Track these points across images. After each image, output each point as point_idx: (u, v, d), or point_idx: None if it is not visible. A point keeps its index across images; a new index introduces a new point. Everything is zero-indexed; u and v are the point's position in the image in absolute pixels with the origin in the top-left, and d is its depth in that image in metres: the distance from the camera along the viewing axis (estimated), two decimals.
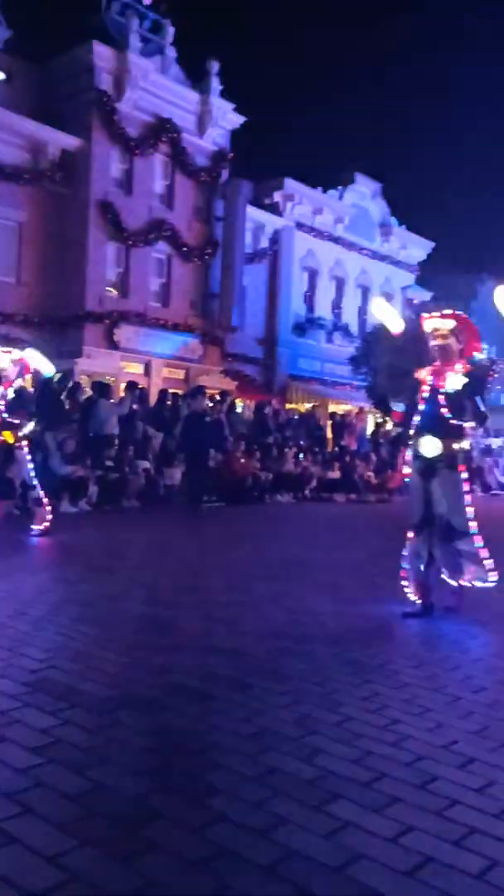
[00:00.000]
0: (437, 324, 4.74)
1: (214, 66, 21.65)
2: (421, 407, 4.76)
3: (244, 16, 54.40)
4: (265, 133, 51.81)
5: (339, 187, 26.81)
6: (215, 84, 21.68)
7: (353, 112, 61.05)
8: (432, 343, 4.75)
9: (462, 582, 4.77)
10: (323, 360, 25.61)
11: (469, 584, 4.78)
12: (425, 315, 4.90)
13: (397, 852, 2.02)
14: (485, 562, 4.69)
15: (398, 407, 5.09)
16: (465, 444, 4.79)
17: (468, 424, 4.72)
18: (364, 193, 27.82)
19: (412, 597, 4.81)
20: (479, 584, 4.74)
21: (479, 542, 4.73)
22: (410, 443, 4.86)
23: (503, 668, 3.76)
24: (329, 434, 18.31)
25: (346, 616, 4.66)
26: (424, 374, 4.82)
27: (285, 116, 56.35)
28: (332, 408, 22.37)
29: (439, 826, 2.16)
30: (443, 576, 4.82)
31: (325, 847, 2.02)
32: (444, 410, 4.65)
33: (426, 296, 28.87)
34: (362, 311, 27.39)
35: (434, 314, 4.83)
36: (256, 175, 23.38)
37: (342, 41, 60.35)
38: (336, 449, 16.88)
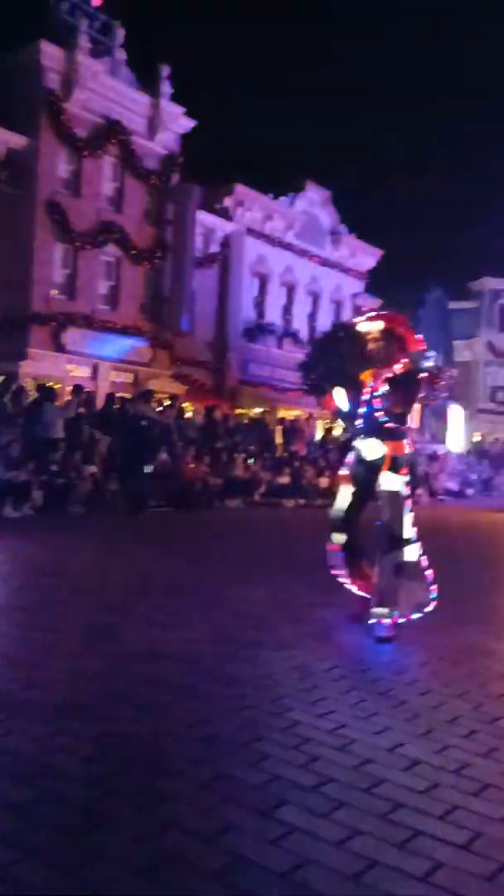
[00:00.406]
0: (367, 327, 4.69)
1: (165, 70, 21.61)
2: (362, 410, 4.71)
3: (195, 20, 54.47)
4: (216, 138, 51.89)
5: (290, 194, 27.02)
6: (165, 88, 21.65)
7: (305, 120, 61.58)
8: (367, 347, 4.71)
9: (397, 619, 4.44)
10: (273, 365, 25.73)
11: (405, 620, 4.50)
12: (357, 319, 4.89)
13: (343, 856, 2.03)
14: (426, 572, 4.59)
15: (337, 395, 4.90)
16: (406, 448, 4.69)
17: (410, 425, 4.69)
18: (314, 201, 28.09)
19: (358, 592, 4.79)
20: (416, 615, 4.55)
21: (420, 550, 4.64)
22: (353, 445, 4.79)
23: (448, 671, 3.81)
24: (278, 439, 18.40)
25: (295, 620, 4.68)
26: (366, 377, 4.76)
27: (237, 122, 56.56)
28: (281, 413, 22.49)
29: (384, 829, 2.18)
30: (377, 610, 4.42)
31: (272, 852, 2.02)
32: (384, 411, 4.59)
33: (375, 303, 29.28)
34: (312, 318, 27.64)
35: (363, 317, 4.79)
36: (207, 179, 23.39)
37: (294, 48, 60.87)
38: (285, 454, 16.97)
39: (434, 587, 4.56)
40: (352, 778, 2.49)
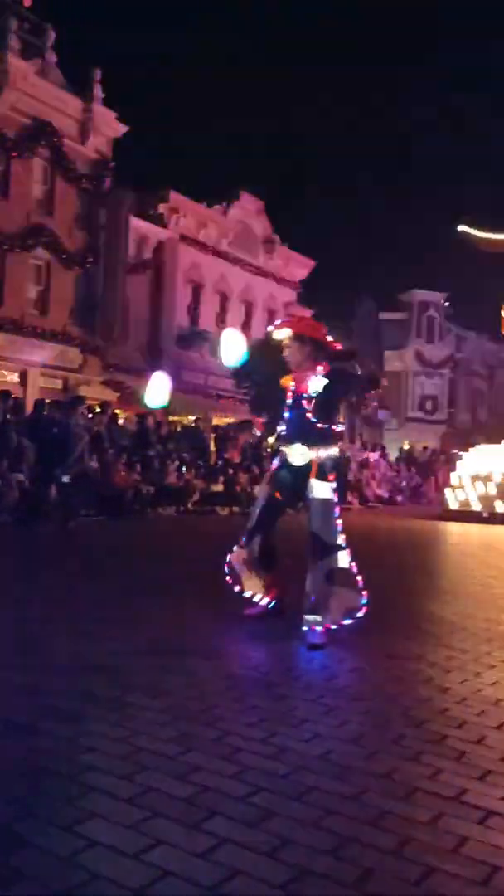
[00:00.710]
0: (278, 335, 4.65)
1: (97, 74, 21.41)
2: (286, 415, 4.63)
3: (130, 25, 54.23)
4: (151, 144, 51.73)
5: (224, 203, 27.11)
6: (98, 91, 21.44)
7: (240, 131, 61.99)
8: (283, 354, 4.64)
9: (329, 626, 4.41)
10: (207, 372, 25.70)
11: (335, 627, 4.45)
12: (270, 328, 4.84)
13: (273, 867, 2.00)
14: (356, 578, 4.56)
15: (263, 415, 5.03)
16: (335, 451, 4.65)
17: (337, 428, 4.64)
18: (248, 210, 28.26)
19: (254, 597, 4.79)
20: (347, 621, 4.50)
21: (349, 556, 4.59)
22: (279, 450, 4.71)
23: (378, 676, 3.84)
24: (212, 447, 18.37)
25: (225, 630, 4.64)
26: (287, 382, 4.68)
27: (172, 129, 56.48)
28: (215, 420, 22.47)
29: (315, 837, 2.16)
30: (309, 617, 4.38)
31: (200, 866, 1.98)
32: (309, 415, 4.53)
33: (307, 313, 29.63)
34: (246, 326, 27.75)
35: (275, 326, 4.75)
36: (141, 185, 23.27)
37: (232, 55, 61.29)
38: (219, 462, 16.94)
39: (364, 593, 4.56)
40: (282, 786, 2.47)
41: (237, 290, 27.71)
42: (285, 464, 4.61)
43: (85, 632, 4.41)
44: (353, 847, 2.12)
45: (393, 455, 27.58)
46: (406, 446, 30.80)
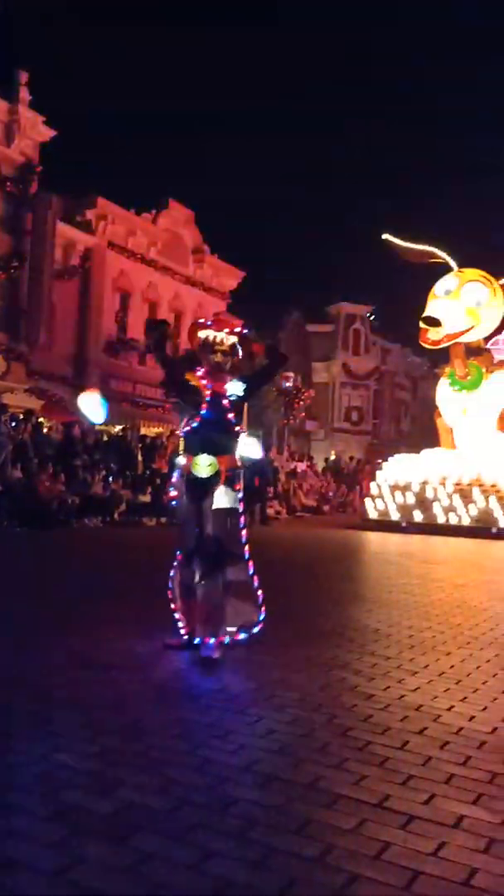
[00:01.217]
0: (218, 337, 4.42)
1: (23, 76, 21.05)
2: (194, 424, 4.38)
3: (59, 28, 53.51)
4: (79, 150, 51.09)
5: (153, 211, 27.01)
6: (24, 94, 21.07)
7: (170, 140, 61.90)
8: (211, 356, 4.41)
9: (222, 638, 4.26)
10: (135, 381, 25.46)
11: (229, 641, 4.31)
12: (200, 322, 4.57)
13: (197, 879, 1.99)
14: (256, 592, 4.36)
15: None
16: (239, 461, 4.45)
17: (250, 437, 4.55)
18: (178, 219, 28.22)
19: (181, 626, 4.45)
20: (242, 636, 4.35)
21: (251, 568, 4.39)
22: (182, 459, 4.47)
23: (303, 685, 3.87)
24: (139, 456, 18.18)
25: (150, 642, 4.59)
26: (200, 385, 4.43)
27: (101, 135, 55.95)
28: (143, 430, 22.28)
29: (239, 848, 2.16)
30: (201, 629, 4.25)
31: (123, 882, 1.95)
32: (230, 416, 4.37)
33: (236, 323, 29.75)
34: (176, 335, 27.62)
35: (208, 323, 4.51)
36: (68, 191, 22.95)
37: (161, 63, 61.20)
38: (146, 472, 16.78)
39: (263, 608, 4.38)
40: (207, 799, 2.46)
41: (166, 299, 27.60)
42: (190, 474, 4.32)
43: (4, 644, 4.29)
44: (278, 857, 2.13)
45: (320, 465, 27.91)
46: (332, 456, 31.23)
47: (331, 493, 23.79)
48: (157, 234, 26.88)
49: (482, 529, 14.42)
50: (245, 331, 4.60)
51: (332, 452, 33.22)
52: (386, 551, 12.14)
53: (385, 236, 17.83)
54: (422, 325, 15.45)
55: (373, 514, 16.08)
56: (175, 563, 4.51)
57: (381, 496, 16.15)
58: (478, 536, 14.05)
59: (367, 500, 16.49)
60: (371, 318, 41.23)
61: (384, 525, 15.50)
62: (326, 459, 30.23)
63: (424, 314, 15.45)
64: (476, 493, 15.04)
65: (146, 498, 15.26)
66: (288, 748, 2.95)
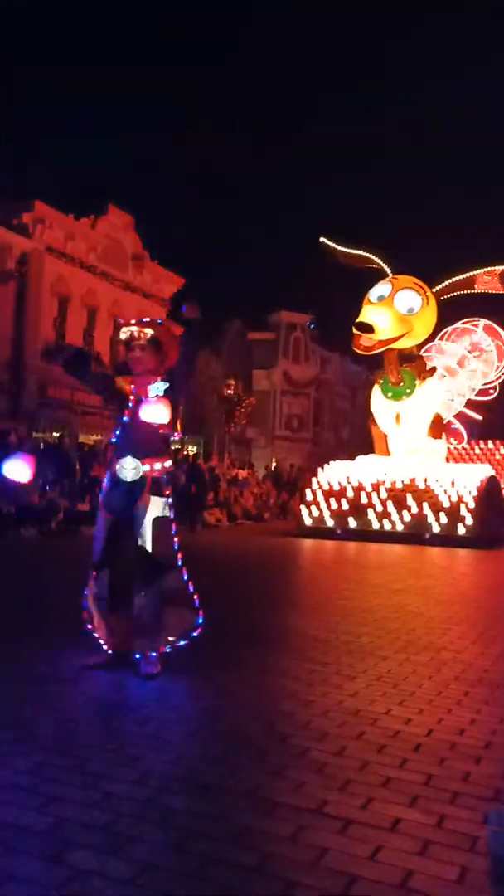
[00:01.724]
0: (135, 331, 4.25)
1: None
2: (124, 419, 4.23)
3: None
4: (14, 151, 50.23)
5: (92, 216, 26.75)
6: None
7: (109, 144, 61.45)
8: (130, 354, 4.28)
9: (163, 649, 4.12)
10: (73, 388, 25.09)
11: (169, 650, 4.15)
12: (121, 321, 4.42)
13: (134, 893, 1.96)
14: (192, 597, 4.23)
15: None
16: (169, 464, 4.32)
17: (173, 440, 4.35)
18: (117, 225, 28.02)
19: (102, 643, 4.22)
20: (182, 642, 4.19)
21: (184, 575, 4.24)
22: (109, 465, 4.30)
23: (243, 693, 3.87)
24: (77, 464, 17.90)
25: (86, 654, 4.51)
26: (125, 386, 4.29)
27: (38, 137, 55.17)
28: (81, 437, 21.97)
29: (177, 860, 2.14)
30: (139, 643, 4.09)
31: None
32: (143, 429, 4.17)
33: (177, 330, 29.67)
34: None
35: (132, 322, 4.33)
36: (4, 194, 22.52)
37: (99, 66, 60.77)
38: (85, 480, 16.54)
39: (200, 612, 4.24)
40: (145, 811, 2.43)
41: (105, 305, 27.33)
42: (116, 481, 4.19)
43: None
44: (216, 867, 2.12)
45: (261, 473, 28.00)
46: (274, 464, 31.38)
47: (272, 501, 23.89)
48: (96, 239, 26.62)
49: (416, 536, 14.43)
50: (160, 321, 4.45)
51: (274, 460, 33.39)
52: (324, 558, 12.26)
53: (322, 240, 17.95)
54: (355, 331, 15.40)
55: (308, 521, 15.77)
56: (90, 577, 4.25)
57: (316, 503, 16.02)
58: (411, 543, 14.08)
59: (303, 507, 16.36)
60: (311, 327, 41.67)
61: (319, 532, 15.37)
62: (267, 467, 30.35)
63: (357, 320, 15.44)
64: (410, 500, 15.01)
65: (85, 506, 15.03)
66: (227, 757, 2.95)
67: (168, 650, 4.17)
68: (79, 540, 13.54)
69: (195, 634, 4.25)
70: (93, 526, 4.32)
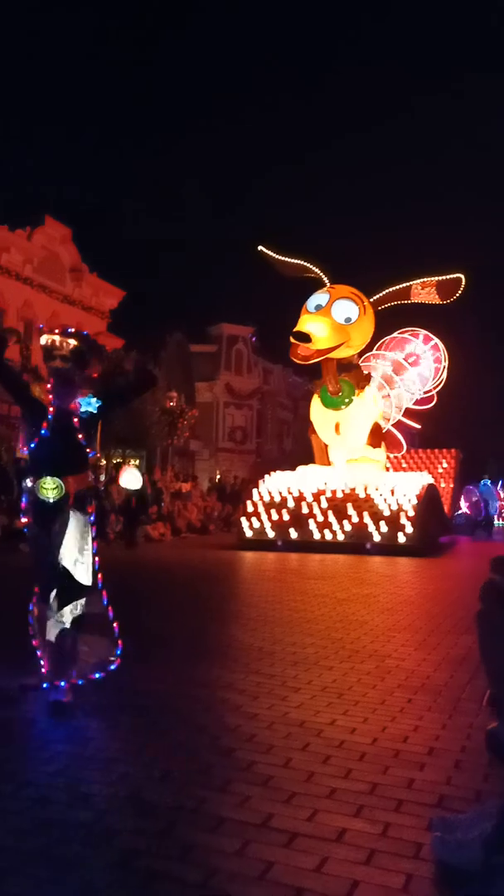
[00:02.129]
0: (56, 341, 4.04)
1: None
2: (42, 433, 3.99)
3: None
4: None
5: (28, 227, 26.36)
6: None
7: (47, 157, 60.76)
8: (49, 363, 4.05)
9: (75, 681, 3.83)
10: (10, 402, 24.59)
11: (82, 682, 3.89)
12: (43, 327, 4.20)
13: None
14: (112, 625, 4.00)
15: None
16: (91, 479, 4.16)
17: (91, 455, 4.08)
18: (54, 237, 27.67)
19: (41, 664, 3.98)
20: (98, 675, 3.97)
21: (105, 599, 4.02)
22: (30, 482, 4.08)
23: (188, 707, 3.83)
24: (14, 479, 17.52)
25: (24, 672, 4.39)
26: (44, 398, 4.08)
27: None
28: (20, 452, 21.51)
29: (120, 881, 2.10)
30: (49, 671, 3.86)
31: None
32: (79, 435, 4.00)
33: (118, 343, 29.42)
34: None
35: (55, 331, 4.09)
36: None
37: (38, 78, 60.10)
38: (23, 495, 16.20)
39: (120, 642, 4.01)
40: (88, 834, 2.38)
41: (43, 318, 26.84)
42: (37, 502, 3.94)
43: None
44: (161, 884, 2.08)
45: (204, 485, 27.92)
46: (217, 476, 31.32)
47: (216, 513, 23.82)
48: (32, 250, 26.22)
49: (357, 545, 14.28)
50: (86, 333, 4.24)
51: (217, 472, 33.34)
52: (266, 569, 12.26)
53: (260, 248, 17.93)
54: (292, 340, 15.24)
55: (249, 533, 15.45)
56: (34, 597, 4.04)
57: (256, 514, 15.59)
58: (353, 552, 13.93)
59: (243, 519, 15.82)
60: (253, 339, 41.88)
61: (260, 544, 14.96)
62: (211, 479, 30.28)
63: (295, 329, 15.29)
64: (350, 509, 14.87)
65: (24, 522, 14.72)
66: (171, 773, 2.90)
67: (81, 682, 3.87)
68: (19, 557, 13.24)
69: (112, 668, 4.00)
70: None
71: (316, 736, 3.40)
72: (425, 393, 20.72)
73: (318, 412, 16.95)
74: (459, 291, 17.57)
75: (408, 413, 20.67)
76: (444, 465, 22.98)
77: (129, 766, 2.98)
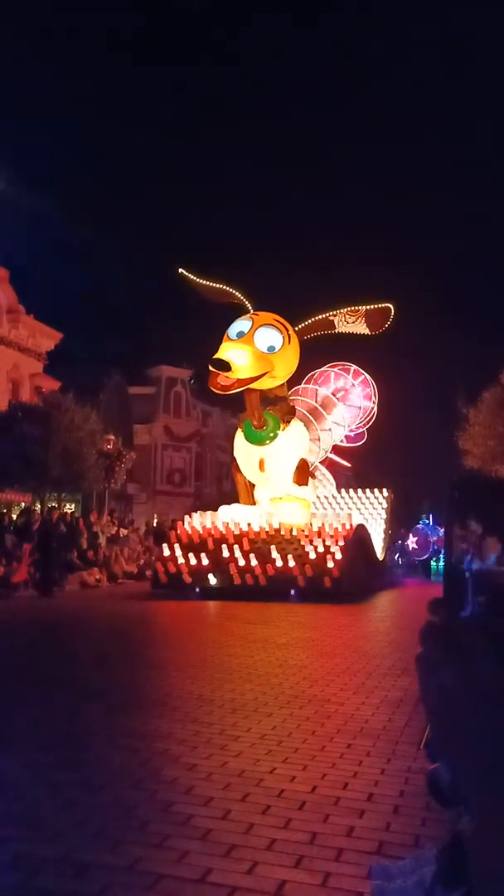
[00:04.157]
0: None
1: None
2: None
3: None
4: None
5: None
6: None
7: None
8: None
9: None
10: None
11: None
12: None
13: None
14: None
15: None
16: None
17: None
18: None
19: None
20: None
21: None
22: None
23: (124, 762, 3.73)
24: None
25: None
26: None
27: None
28: None
29: None
30: None
31: None
32: None
33: (55, 385, 29.11)
34: None
35: None
36: None
37: None
38: None
39: None
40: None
41: None
42: None
43: None
44: None
45: (142, 528, 27.59)
46: (155, 519, 31.00)
47: (154, 558, 23.50)
48: None
49: (280, 591, 13.18)
50: None
51: (155, 515, 33.02)
52: (205, 614, 12.12)
53: (181, 271, 17.06)
54: (211, 368, 14.08)
55: (164, 579, 14.30)
56: None
57: (173, 559, 14.42)
58: (276, 599, 12.83)
59: (158, 565, 14.77)
60: (191, 382, 42.04)
61: (176, 591, 13.88)
62: (148, 523, 29.95)
63: (214, 357, 14.07)
64: (274, 552, 13.84)
65: None
66: (106, 831, 2.81)
67: None
68: None
69: None
70: None
71: (255, 786, 3.36)
72: (354, 429, 19.99)
73: (242, 448, 15.96)
74: (388, 322, 16.71)
75: (337, 451, 19.87)
76: (377, 505, 21.60)
77: (61, 824, 2.87)
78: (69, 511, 23.43)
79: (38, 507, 21.07)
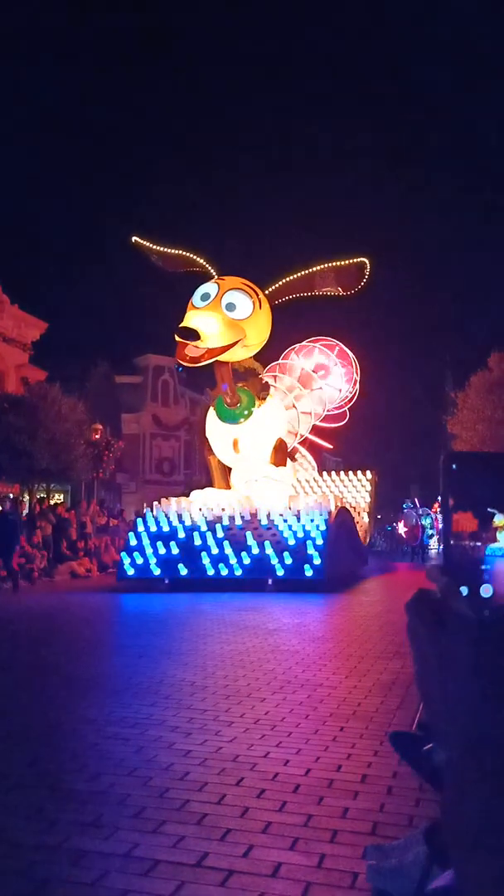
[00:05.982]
0: None
1: None
2: None
3: None
4: None
5: None
6: None
7: None
8: None
9: None
10: None
11: None
12: None
13: None
14: None
15: None
16: None
17: None
18: None
19: None
20: None
21: None
22: None
23: (119, 750, 3.74)
24: None
25: None
26: None
27: None
28: None
29: None
30: None
31: None
32: None
33: (41, 375, 28.94)
34: None
35: None
36: None
37: None
38: None
39: None
40: (14, 887, 2.28)
41: None
42: None
43: None
44: None
45: (131, 518, 27.54)
46: (144, 509, 30.98)
47: (116, 549, 23.48)
48: None
49: (257, 581, 12.40)
50: None
51: (144, 504, 32.99)
52: (194, 603, 12.15)
53: (134, 239, 15.71)
54: (178, 339, 12.75)
55: (130, 571, 13.19)
56: None
57: (140, 548, 13.35)
58: (252, 590, 12.12)
59: (124, 555, 13.58)
60: (179, 370, 41.91)
61: (143, 583, 13.05)
62: (137, 512, 29.91)
63: (181, 325, 12.77)
64: (250, 539, 12.82)
65: None
66: (102, 819, 2.83)
67: None
68: None
69: None
70: None
71: (250, 770, 3.38)
72: (335, 408, 18.01)
73: (214, 427, 14.52)
74: (364, 280, 14.98)
75: (318, 432, 18.01)
76: (360, 488, 20.25)
77: (57, 813, 2.88)
78: (58, 502, 23.39)
79: (26, 497, 21.01)
